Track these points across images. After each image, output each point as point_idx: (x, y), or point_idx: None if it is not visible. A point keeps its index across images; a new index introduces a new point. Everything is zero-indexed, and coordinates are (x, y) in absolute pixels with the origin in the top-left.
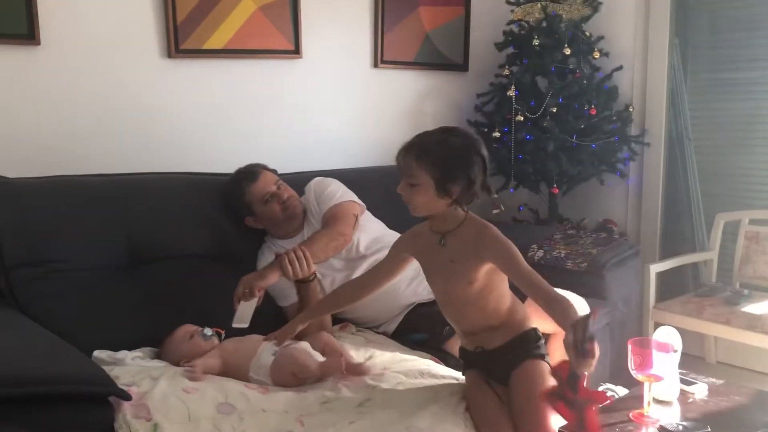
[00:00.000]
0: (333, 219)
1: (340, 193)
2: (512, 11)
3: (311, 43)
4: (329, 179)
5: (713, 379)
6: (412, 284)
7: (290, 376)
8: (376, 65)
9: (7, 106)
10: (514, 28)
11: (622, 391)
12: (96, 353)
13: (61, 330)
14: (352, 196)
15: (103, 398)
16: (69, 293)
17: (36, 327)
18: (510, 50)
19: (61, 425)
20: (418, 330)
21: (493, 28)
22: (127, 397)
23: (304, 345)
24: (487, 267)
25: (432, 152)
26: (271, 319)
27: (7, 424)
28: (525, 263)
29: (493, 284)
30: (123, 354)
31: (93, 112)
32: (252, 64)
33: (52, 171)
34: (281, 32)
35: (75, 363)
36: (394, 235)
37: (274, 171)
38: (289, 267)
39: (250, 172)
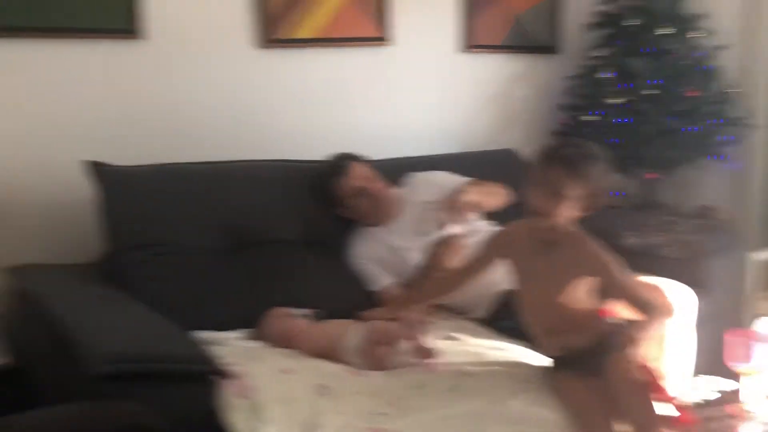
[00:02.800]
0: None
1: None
2: None
3: (399, 29)
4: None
5: None
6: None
7: (379, 349)
8: (464, 50)
9: (115, 98)
10: (608, 8)
11: (720, 383)
12: (198, 334)
13: (167, 311)
14: None
15: (207, 377)
16: (174, 276)
17: (144, 308)
18: (603, 31)
19: (167, 401)
20: (512, 317)
21: (584, 8)
22: (229, 376)
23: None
24: (586, 279)
25: (584, 167)
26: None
27: (120, 399)
28: (627, 278)
29: (584, 292)
30: (224, 335)
31: (192, 103)
32: (342, 52)
33: (158, 159)
34: (370, 19)
35: (182, 343)
36: None
37: (365, 160)
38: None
39: (339, 167)
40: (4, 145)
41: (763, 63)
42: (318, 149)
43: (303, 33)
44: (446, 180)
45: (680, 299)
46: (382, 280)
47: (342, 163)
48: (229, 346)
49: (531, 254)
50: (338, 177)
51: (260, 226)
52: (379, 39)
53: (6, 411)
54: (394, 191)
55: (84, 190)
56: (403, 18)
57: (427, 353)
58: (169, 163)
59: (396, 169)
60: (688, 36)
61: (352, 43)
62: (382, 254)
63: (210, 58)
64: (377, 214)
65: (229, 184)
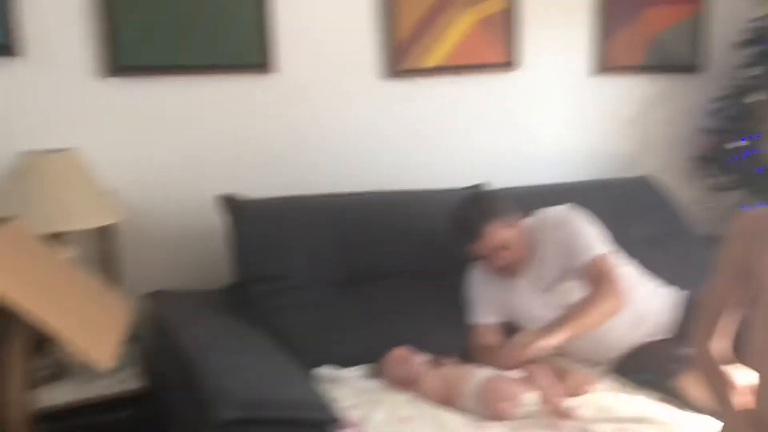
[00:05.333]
0: (597, 279)
1: (594, 235)
2: (758, 6)
3: (529, 53)
4: (575, 216)
5: None
6: (640, 327)
7: (496, 408)
8: (598, 72)
9: (247, 132)
10: (760, 24)
11: None
12: (319, 370)
13: (290, 344)
14: (604, 238)
15: (327, 425)
16: (297, 309)
17: (268, 343)
18: (755, 49)
19: None
20: (644, 370)
21: (731, 26)
22: (347, 425)
23: (514, 374)
24: None
25: None
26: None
27: None
28: None
29: None
30: (344, 372)
31: (319, 135)
32: (467, 79)
33: (287, 191)
34: (499, 45)
35: (304, 389)
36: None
37: (501, 211)
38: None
39: (471, 230)
40: (143, 178)
41: None
42: (445, 178)
43: (430, 62)
44: (577, 235)
45: None
46: (484, 317)
47: (473, 226)
48: (349, 386)
49: None
50: (468, 240)
51: (382, 258)
52: (506, 64)
53: None
54: (525, 242)
55: (216, 219)
56: (532, 41)
57: (563, 413)
58: (294, 196)
59: (526, 197)
60: None
61: (478, 69)
62: (495, 298)
63: (338, 90)
64: (505, 273)
65: (353, 216)
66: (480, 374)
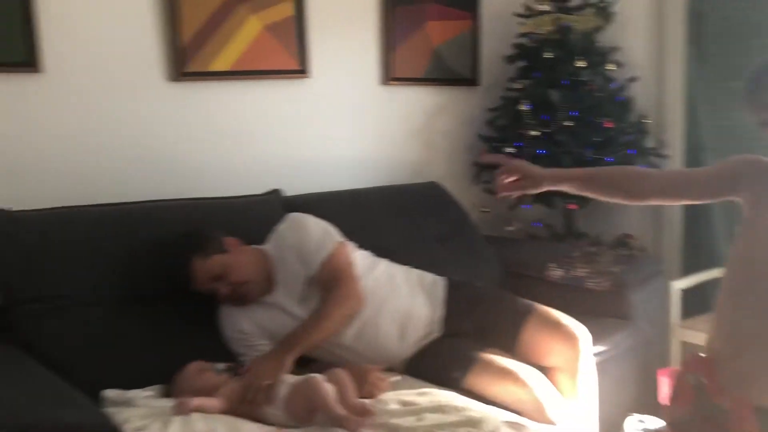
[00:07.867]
0: (334, 280)
1: (320, 236)
2: (522, 24)
3: (319, 61)
4: (299, 221)
5: None
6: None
7: (304, 404)
8: (385, 82)
9: (10, 137)
10: (525, 41)
11: (651, 421)
12: (105, 392)
13: (68, 369)
14: (331, 232)
15: None
16: (76, 330)
17: (39, 369)
18: (521, 63)
19: None
20: (435, 370)
21: (502, 41)
22: None
23: (321, 377)
24: None
25: None
26: None
27: None
28: None
29: None
30: (134, 393)
31: (98, 140)
32: (259, 84)
33: (59, 202)
34: (288, 52)
35: (80, 409)
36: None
37: (201, 246)
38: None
39: (180, 267)
40: None
41: (670, 94)
42: (236, 185)
43: (218, 65)
44: (305, 241)
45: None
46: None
47: (181, 262)
48: (140, 407)
49: None
50: (184, 279)
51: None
52: (297, 71)
53: None
54: (259, 265)
55: None
56: (321, 50)
57: (365, 411)
58: (69, 207)
59: (323, 203)
60: (604, 68)
61: (269, 75)
62: (252, 328)
63: (117, 93)
64: (241, 303)
65: (137, 227)
66: (288, 379)
